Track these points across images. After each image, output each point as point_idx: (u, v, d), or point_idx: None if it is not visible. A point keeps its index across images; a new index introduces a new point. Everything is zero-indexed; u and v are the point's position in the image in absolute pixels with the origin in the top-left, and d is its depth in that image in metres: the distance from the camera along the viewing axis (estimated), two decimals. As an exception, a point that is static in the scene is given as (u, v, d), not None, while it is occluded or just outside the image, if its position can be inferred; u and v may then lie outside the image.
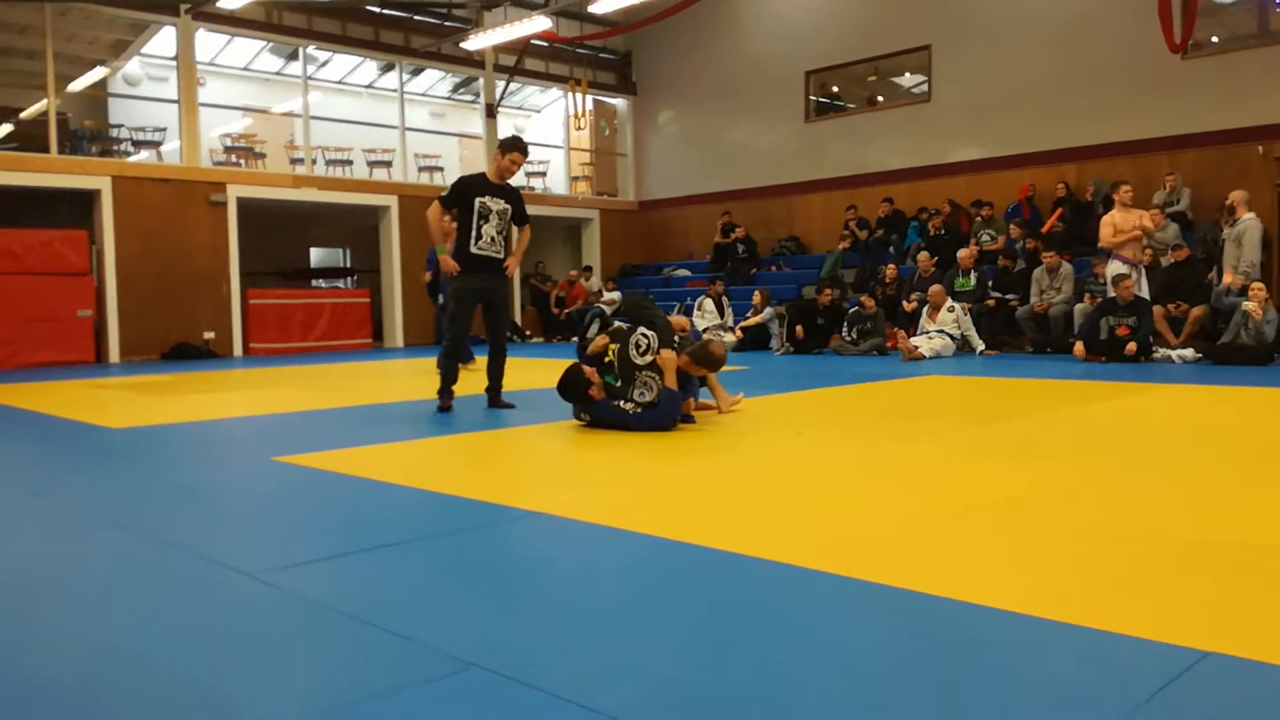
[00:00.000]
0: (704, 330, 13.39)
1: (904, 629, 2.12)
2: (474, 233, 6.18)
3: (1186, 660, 1.85)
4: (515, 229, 6.50)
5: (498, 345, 6.50)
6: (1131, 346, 9.21)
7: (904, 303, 12.10)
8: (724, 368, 5.67)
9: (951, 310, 11.06)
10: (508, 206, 6.32)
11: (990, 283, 11.96)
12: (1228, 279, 9.69)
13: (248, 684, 1.88)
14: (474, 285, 6.26)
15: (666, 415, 5.16)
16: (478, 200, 6.18)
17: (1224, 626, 2.06)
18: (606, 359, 5.31)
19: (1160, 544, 2.73)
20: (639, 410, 5.12)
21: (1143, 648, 1.94)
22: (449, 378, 6.30)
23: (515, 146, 6.33)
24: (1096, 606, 2.19)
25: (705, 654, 1.99)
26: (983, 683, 1.82)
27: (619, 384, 5.21)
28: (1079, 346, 9.65)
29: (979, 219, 13.21)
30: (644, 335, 5.30)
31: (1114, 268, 9.82)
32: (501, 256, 6.30)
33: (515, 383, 8.23)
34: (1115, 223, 9.82)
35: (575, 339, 14.96)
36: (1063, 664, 1.90)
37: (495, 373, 6.51)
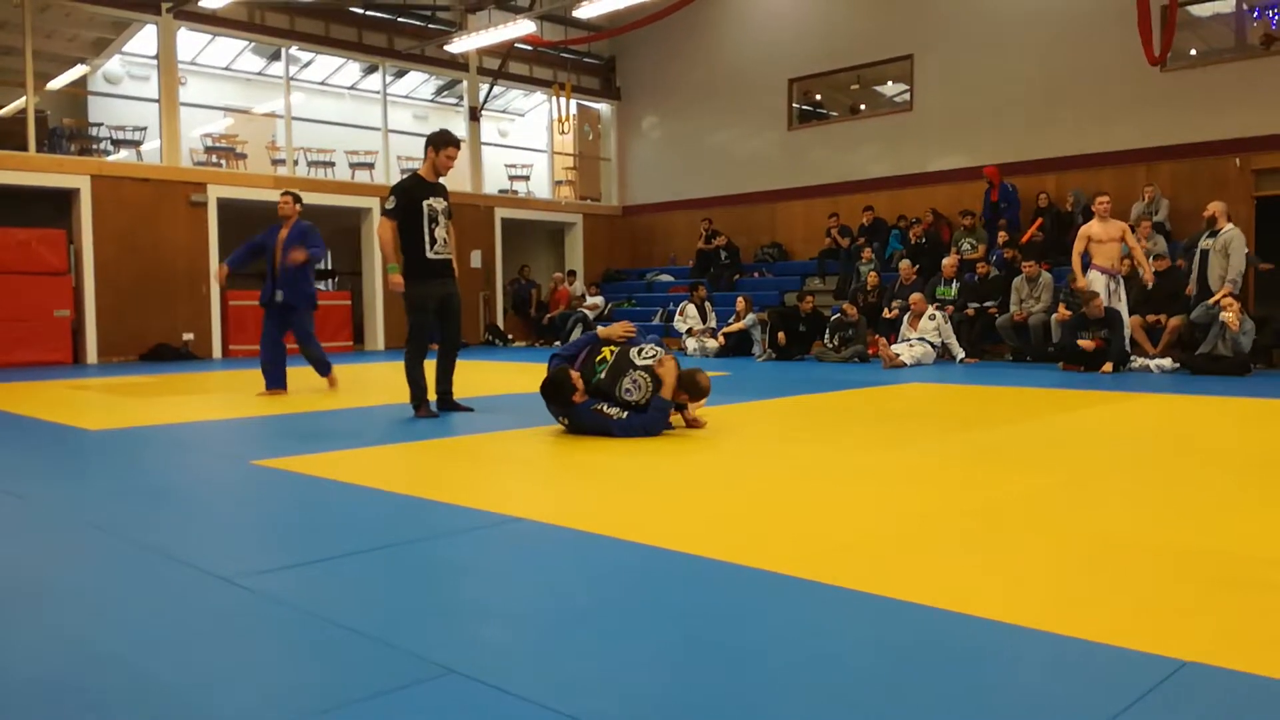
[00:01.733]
0: (684, 331, 13.46)
1: (883, 637, 2.12)
2: (427, 238, 6.02)
3: (1165, 670, 1.86)
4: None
5: (451, 348, 6.40)
6: (1108, 367, 9.27)
7: (885, 310, 12.15)
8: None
9: (933, 318, 11.12)
10: (447, 204, 6.20)
11: (971, 287, 12.03)
12: (1224, 293, 9.59)
13: (224, 689, 1.87)
14: (434, 291, 6.14)
15: (654, 422, 5.13)
16: (425, 204, 6.02)
17: (1202, 636, 2.07)
18: (599, 357, 5.27)
19: (1138, 553, 2.75)
20: (623, 416, 5.09)
21: (1121, 657, 1.95)
22: (420, 386, 6.18)
23: (449, 141, 6.11)
24: (1075, 615, 2.20)
25: (684, 661, 1.99)
26: (962, 691, 1.82)
27: (604, 378, 5.17)
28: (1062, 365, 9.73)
29: (961, 228, 13.30)
30: (651, 348, 5.29)
31: (1091, 278, 9.88)
32: (451, 258, 6.21)
33: (498, 387, 8.22)
34: (1092, 234, 9.88)
35: (558, 343, 15.01)
36: (1041, 673, 1.90)
37: (446, 375, 6.38)
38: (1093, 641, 2.02)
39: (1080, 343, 9.49)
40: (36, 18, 13.16)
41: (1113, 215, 10.14)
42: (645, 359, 5.21)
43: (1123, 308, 9.85)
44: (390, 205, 6.01)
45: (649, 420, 5.11)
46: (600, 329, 5.54)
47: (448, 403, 6.37)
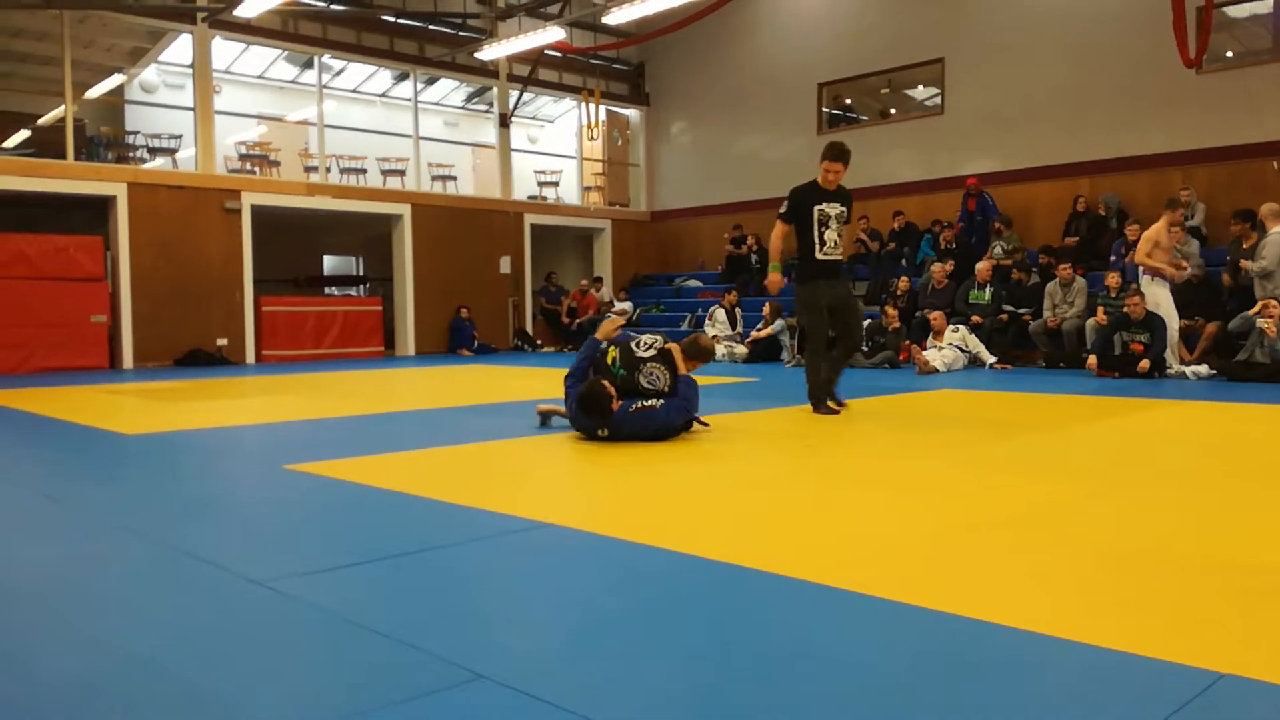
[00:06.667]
0: (711, 337, 13.41)
1: (915, 646, 2.10)
2: (816, 240, 6.25)
3: (1203, 682, 1.83)
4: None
5: (848, 346, 6.57)
6: (1144, 364, 9.16)
7: (927, 312, 11.94)
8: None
9: (956, 330, 11.07)
10: (843, 209, 6.37)
11: (1004, 294, 11.91)
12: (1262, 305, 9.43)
13: (257, 691, 1.88)
14: (822, 292, 6.33)
15: (690, 401, 5.27)
16: (815, 209, 6.26)
17: (1240, 648, 2.04)
18: (610, 359, 5.40)
19: (1176, 563, 2.71)
20: (660, 404, 5.17)
21: (1159, 668, 1.92)
22: (814, 384, 6.38)
23: (826, 154, 6.34)
24: (1112, 626, 2.17)
25: (714, 668, 1.98)
26: (995, 702, 1.80)
27: (625, 375, 5.31)
28: (1092, 360, 9.60)
29: (992, 232, 13.19)
30: (650, 336, 5.54)
31: (1158, 293, 9.59)
32: (843, 258, 6.40)
33: (527, 393, 8.25)
34: (1159, 240, 9.65)
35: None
36: (1078, 684, 1.88)
37: (840, 367, 6.52)
38: (1129, 653, 1.99)
39: (1132, 346, 9.37)
40: (75, 28, 13.37)
41: (1147, 219, 10.00)
42: (648, 350, 5.39)
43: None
44: (783, 209, 6.35)
45: (687, 401, 5.27)
46: (598, 332, 5.68)
47: (828, 391, 6.43)
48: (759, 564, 2.69)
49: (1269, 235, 9.68)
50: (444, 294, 16.01)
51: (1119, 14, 12.81)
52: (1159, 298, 9.54)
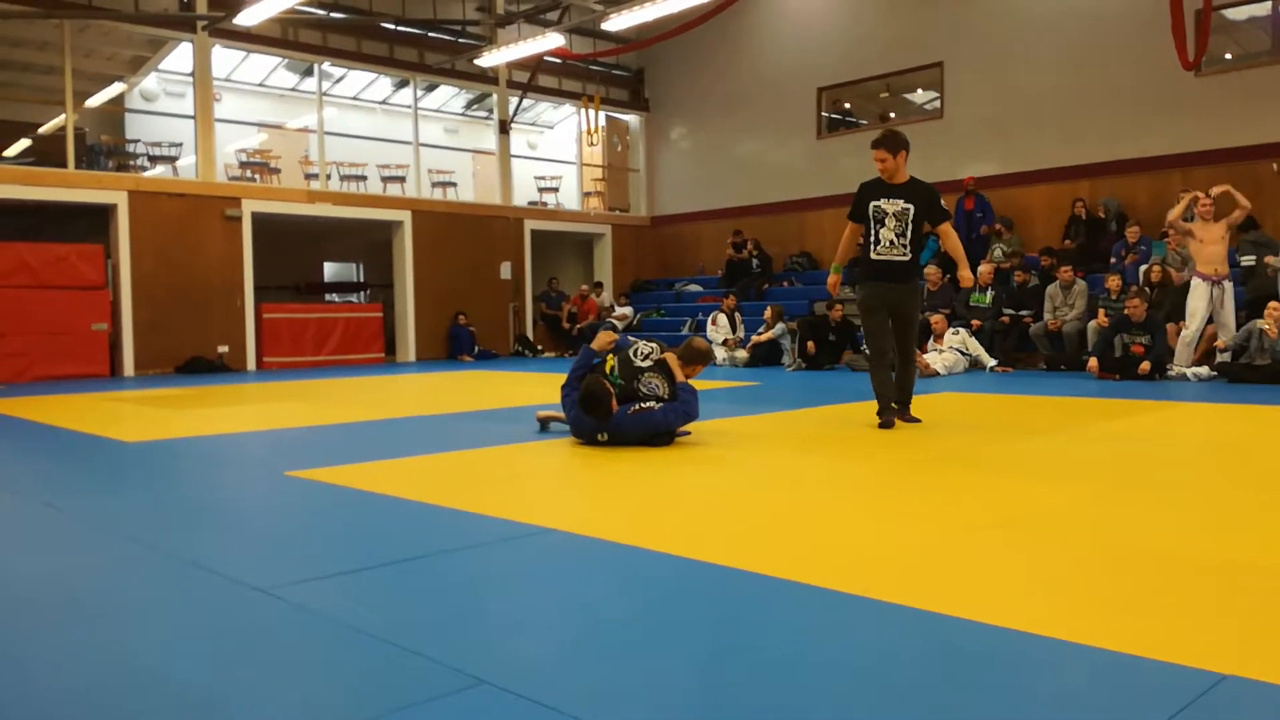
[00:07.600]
0: (720, 341, 13.42)
1: (918, 649, 2.10)
2: (872, 238, 6.03)
3: (1204, 683, 1.83)
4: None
5: (904, 357, 6.25)
6: (1145, 366, 9.17)
7: (928, 315, 11.95)
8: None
9: (956, 333, 11.07)
10: (908, 206, 5.93)
11: (1004, 296, 11.91)
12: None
13: (260, 699, 1.88)
14: (879, 293, 6.05)
15: (690, 406, 5.27)
16: (871, 205, 6.00)
17: (1242, 649, 2.04)
18: (608, 367, 5.40)
19: (1178, 565, 2.71)
20: (659, 406, 5.18)
21: (1160, 670, 1.92)
22: (880, 394, 6.07)
23: (872, 143, 6.00)
24: (1113, 628, 2.17)
25: (717, 672, 1.99)
26: (997, 704, 1.81)
27: (623, 384, 5.31)
28: (1093, 362, 9.60)
29: (993, 234, 13.19)
30: (647, 345, 5.53)
31: (1194, 287, 9.52)
32: (907, 259, 5.97)
33: (528, 398, 8.25)
34: (1193, 229, 9.57)
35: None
36: (1080, 686, 1.88)
37: (902, 385, 6.21)
38: (1131, 654, 1.99)
39: (1133, 348, 9.37)
40: (76, 37, 13.39)
41: (1147, 222, 9.95)
42: (645, 359, 5.40)
43: (1229, 313, 9.52)
44: (851, 209, 6.13)
45: (687, 405, 5.27)
46: (594, 343, 5.65)
47: (905, 414, 6.17)
48: (762, 568, 2.69)
49: None
50: (445, 300, 16.02)
51: (1118, 17, 12.83)
52: (1193, 289, 9.44)
